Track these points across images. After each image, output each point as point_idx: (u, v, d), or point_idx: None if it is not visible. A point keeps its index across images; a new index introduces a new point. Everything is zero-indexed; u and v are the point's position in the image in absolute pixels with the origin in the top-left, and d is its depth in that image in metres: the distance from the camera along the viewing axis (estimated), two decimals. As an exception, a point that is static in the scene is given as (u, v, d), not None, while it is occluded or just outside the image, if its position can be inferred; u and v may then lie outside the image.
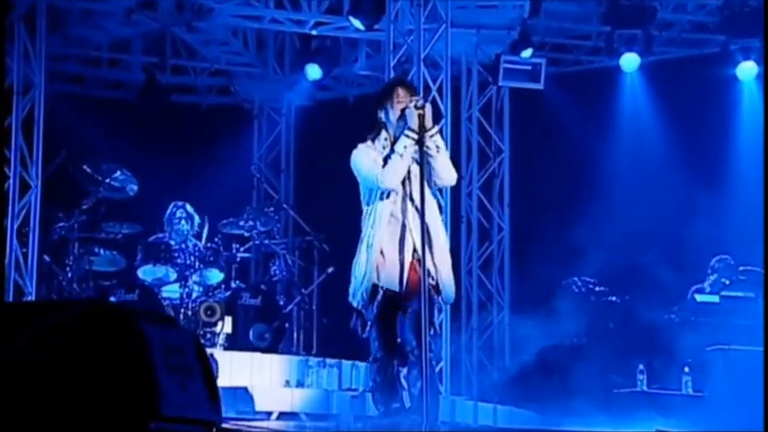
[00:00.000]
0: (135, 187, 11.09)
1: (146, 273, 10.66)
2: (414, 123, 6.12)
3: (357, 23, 11.45)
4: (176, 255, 10.64)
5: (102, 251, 10.97)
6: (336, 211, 12.62)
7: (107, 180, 10.93)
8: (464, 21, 11.91)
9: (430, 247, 6.07)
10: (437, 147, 6.17)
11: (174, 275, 10.59)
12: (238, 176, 13.64)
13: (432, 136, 6.16)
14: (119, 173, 11.01)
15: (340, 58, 13.29)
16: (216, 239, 10.85)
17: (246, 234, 11.37)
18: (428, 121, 6.15)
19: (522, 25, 12.15)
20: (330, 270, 11.41)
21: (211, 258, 10.72)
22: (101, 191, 10.91)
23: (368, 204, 6.27)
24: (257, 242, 11.48)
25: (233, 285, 10.92)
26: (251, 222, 11.32)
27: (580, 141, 12.72)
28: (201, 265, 10.64)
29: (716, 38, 12.79)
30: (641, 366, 10.27)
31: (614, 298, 11.50)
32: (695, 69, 12.71)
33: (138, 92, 13.41)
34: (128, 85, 13.99)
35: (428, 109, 6.17)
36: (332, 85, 14.27)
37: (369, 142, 6.35)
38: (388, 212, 6.17)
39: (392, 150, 6.17)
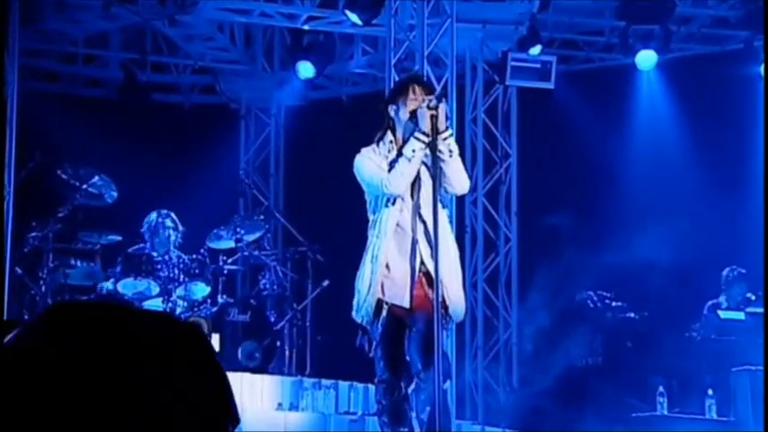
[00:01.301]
0: (114, 194, 11.01)
1: (126, 286, 10.57)
2: (425, 125, 6.08)
3: (354, 18, 11.39)
4: (159, 267, 10.57)
5: (78, 263, 10.89)
6: (331, 219, 12.63)
7: (84, 186, 10.83)
8: (468, 15, 11.83)
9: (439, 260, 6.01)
10: (450, 151, 6.15)
11: (156, 289, 10.51)
12: (224, 182, 13.58)
13: (445, 139, 6.13)
14: (97, 178, 10.92)
15: (334, 55, 13.20)
16: (201, 250, 10.78)
17: (234, 244, 11.28)
18: (441, 123, 6.12)
19: (532, 20, 12.10)
20: (325, 283, 11.33)
21: (197, 271, 10.65)
22: (77, 197, 10.81)
23: (373, 213, 6.24)
24: (246, 253, 11.40)
25: (220, 300, 10.84)
26: (239, 232, 11.23)
27: (593, 145, 12.67)
28: (186, 278, 10.57)
29: (739, 34, 12.77)
30: (661, 388, 10.22)
31: (632, 314, 11.45)
32: (717, 67, 12.67)
33: (117, 90, 13.37)
34: (105, 83, 13.95)
35: (442, 109, 6.14)
36: (325, 84, 14.23)
37: (373, 146, 6.35)
38: (394, 222, 6.14)
39: (399, 154, 6.14)
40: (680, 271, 11.25)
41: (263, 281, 11.33)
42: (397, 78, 10.78)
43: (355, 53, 13.54)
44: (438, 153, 6.09)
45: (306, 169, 13.80)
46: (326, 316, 11.35)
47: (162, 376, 2.96)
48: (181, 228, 10.85)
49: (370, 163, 6.20)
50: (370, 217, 6.27)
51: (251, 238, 11.27)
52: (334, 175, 13.34)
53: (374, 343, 6.13)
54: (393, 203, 6.14)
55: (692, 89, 12.75)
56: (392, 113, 6.30)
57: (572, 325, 11.49)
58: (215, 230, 11.23)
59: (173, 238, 10.74)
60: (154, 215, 10.80)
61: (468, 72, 12.84)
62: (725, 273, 11.21)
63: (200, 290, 10.67)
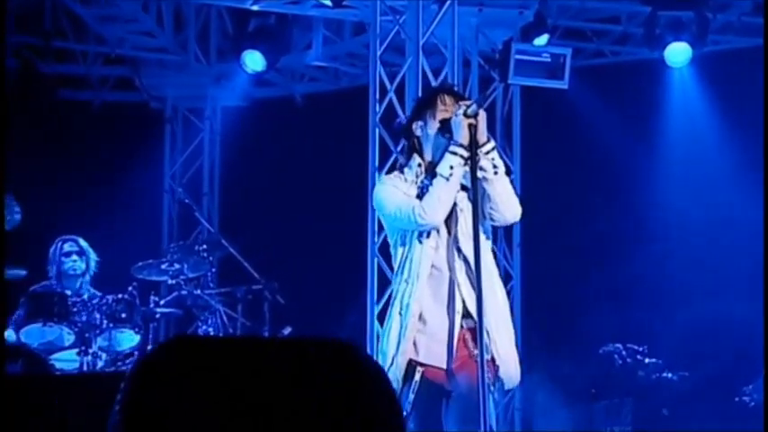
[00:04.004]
0: (17, 216, 10.78)
1: (30, 335, 10.37)
2: (462, 137, 5.98)
3: (322, -5, 11.33)
4: (75, 310, 10.43)
5: (-32, 305, 10.67)
6: (285, 251, 12.53)
7: (-23, 207, 10.64)
8: (462, -4, 11.81)
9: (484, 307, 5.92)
10: (494, 167, 6.07)
11: (71, 338, 10.35)
12: (146, 201, 13.50)
13: (487, 153, 6.06)
14: (-6, 196, 10.74)
15: (290, 44, 13.13)
16: (130, 288, 10.64)
17: (170, 281, 11.21)
18: (482, 135, 6.05)
19: (541, 3, 12.10)
20: (287, 331, 11.23)
21: (123, 315, 10.50)
22: (-31, 222, 10.62)
23: (400, 254, 6.17)
24: (184, 292, 11.29)
25: (151, 351, 10.68)
26: (177, 265, 11.13)
27: (615, 158, 12.71)
28: (110, 324, 10.42)
29: (786, 23, 12.86)
30: (706, 466, 10.26)
31: (669, 374, 11.46)
32: (760, 62, 12.72)
33: (11, 84, 13.15)
34: (-5, 74, 13.76)
35: (482, 117, 6.07)
36: (274, 80, 14.20)
37: (396, 172, 6.33)
38: (429, 262, 6.07)
39: (432, 175, 6.03)
40: (728, 319, 11.27)
41: (205, 327, 11.23)
42: (384, 74, 10.77)
43: (314, 41, 13.43)
44: (480, 171, 5.99)
45: (249, 186, 13.72)
46: (289, 372, 11.20)
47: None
48: (94, 256, 10.80)
49: (395, 192, 6.13)
50: (396, 259, 6.18)
51: (192, 275, 11.17)
52: (286, 195, 13.38)
53: (403, 413, 6.01)
54: (428, 237, 6.05)
55: (733, 89, 12.82)
56: (418, 131, 6.25)
57: (594, 386, 11.47)
58: (144, 263, 11.11)
59: (81, 266, 10.70)
60: (57, 242, 10.80)
61: (460, 67, 12.75)
62: None
63: (127, 339, 10.54)
